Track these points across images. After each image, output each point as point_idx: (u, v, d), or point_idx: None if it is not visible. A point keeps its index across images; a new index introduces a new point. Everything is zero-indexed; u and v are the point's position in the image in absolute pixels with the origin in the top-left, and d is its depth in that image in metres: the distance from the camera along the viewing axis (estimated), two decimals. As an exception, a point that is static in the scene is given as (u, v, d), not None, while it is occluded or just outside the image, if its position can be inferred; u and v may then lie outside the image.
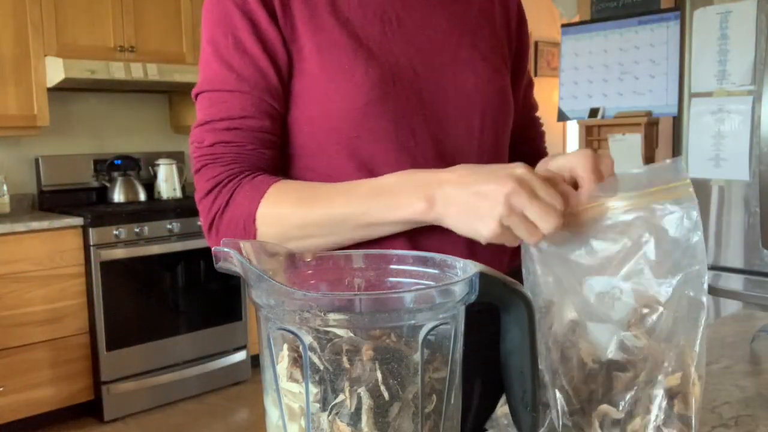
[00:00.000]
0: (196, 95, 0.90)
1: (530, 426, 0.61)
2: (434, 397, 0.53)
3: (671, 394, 0.64)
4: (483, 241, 0.71)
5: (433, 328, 0.52)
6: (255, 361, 3.79)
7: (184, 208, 3.61)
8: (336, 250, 0.85)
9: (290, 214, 0.82)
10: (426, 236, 0.87)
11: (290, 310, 0.51)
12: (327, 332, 0.51)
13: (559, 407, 0.66)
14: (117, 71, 3.47)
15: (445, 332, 0.53)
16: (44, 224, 3.16)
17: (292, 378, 0.52)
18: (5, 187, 3.44)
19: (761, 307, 2.43)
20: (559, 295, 0.70)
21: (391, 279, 0.62)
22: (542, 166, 0.78)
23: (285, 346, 0.53)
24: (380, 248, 0.86)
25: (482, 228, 0.70)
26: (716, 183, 2.65)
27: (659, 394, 0.64)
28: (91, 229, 3.24)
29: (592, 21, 3.14)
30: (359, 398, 0.50)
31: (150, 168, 3.96)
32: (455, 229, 0.73)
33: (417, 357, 0.51)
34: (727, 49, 2.56)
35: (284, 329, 0.52)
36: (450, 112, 0.91)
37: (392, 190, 0.77)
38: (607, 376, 0.66)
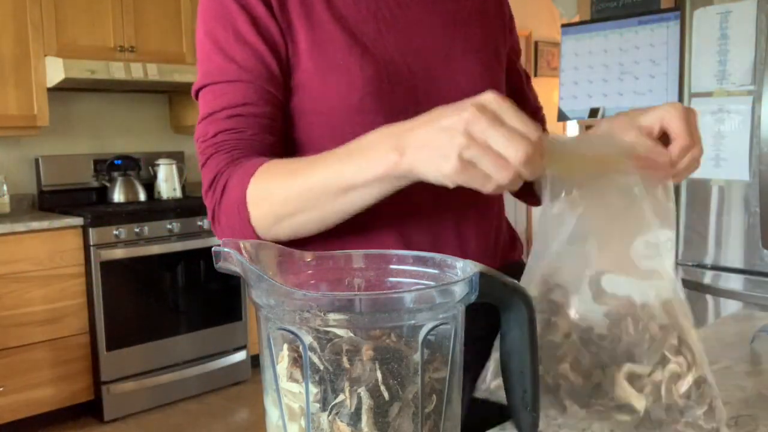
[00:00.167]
0: (197, 91, 0.90)
1: (530, 426, 0.61)
2: (434, 397, 0.53)
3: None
4: (449, 183, 0.63)
5: (433, 328, 0.52)
6: (255, 361, 3.79)
7: (184, 208, 3.61)
8: (332, 245, 0.86)
9: (275, 191, 0.79)
10: (415, 230, 0.88)
11: (290, 310, 0.51)
12: (327, 332, 0.51)
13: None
14: (117, 71, 3.47)
15: (445, 332, 0.53)
16: (44, 224, 3.16)
17: (292, 378, 0.52)
18: (5, 187, 3.44)
19: (761, 307, 2.43)
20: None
21: (391, 279, 0.62)
22: (630, 121, 0.75)
23: (285, 346, 0.53)
24: (372, 245, 0.87)
25: (444, 165, 0.61)
26: (716, 183, 2.65)
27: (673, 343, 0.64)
28: (91, 229, 3.24)
29: (592, 21, 3.14)
30: (359, 398, 0.50)
31: (150, 168, 3.96)
32: (426, 177, 0.65)
33: (417, 357, 0.51)
34: (727, 49, 2.56)
35: (284, 329, 0.52)
36: None
37: (365, 147, 0.71)
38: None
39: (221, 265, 0.56)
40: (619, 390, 0.65)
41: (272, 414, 0.55)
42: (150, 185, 3.92)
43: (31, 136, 3.52)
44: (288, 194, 0.78)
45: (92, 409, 3.35)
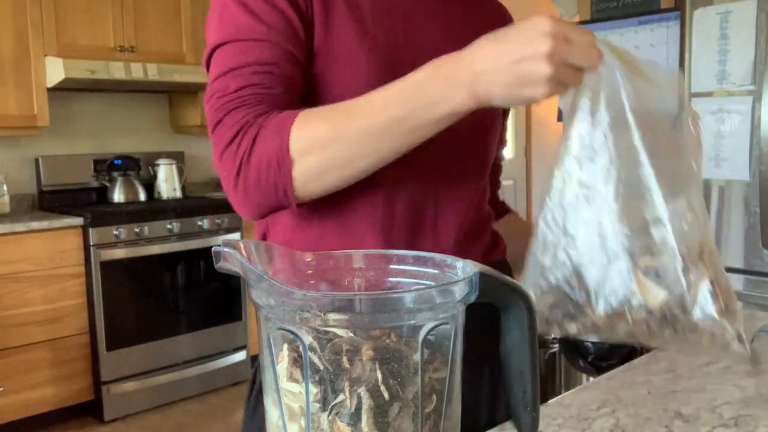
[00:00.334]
0: (213, 49, 0.85)
1: (530, 426, 0.61)
2: (434, 397, 0.53)
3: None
4: (538, 102, 0.73)
5: (433, 328, 0.52)
6: (255, 361, 3.79)
7: (184, 208, 3.61)
8: (309, 230, 0.88)
9: (328, 135, 0.76)
10: (397, 230, 0.88)
11: (290, 310, 0.51)
12: (327, 332, 0.51)
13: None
14: (117, 71, 3.47)
15: (445, 332, 0.53)
16: (44, 224, 3.16)
17: (292, 378, 0.52)
18: (5, 187, 3.44)
19: (761, 307, 2.43)
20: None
21: (391, 279, 0.62)
22: None
23: (285, 346, 0.53)
24: (353, 247, 0.87)
25: (536, 92, 0.70)
26: (716, 183, 2.65)
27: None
28: (91, 229, 3.24)
29: (592, 21, 3.14)
30: (359, 398, 0.50)
31: (150, 168, 3.96)
32: (505, 103, 0.75)
33: (417, 357, 0.51)
34: (727, 49, 2.56)
35: (284, 329, 0.52)
36: None
37: (426, 87, 0.74)
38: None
39: (221, 265, 0.56)
40: (638, 286, 0.67)
41: (272, 414, 0.55)
42: (150, 185, 3.92)
43: (31, 136, 3.52)
44: (347, 139, 0.76)
45: (92, 409, 3.35)
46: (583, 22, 3.19)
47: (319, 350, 0.51)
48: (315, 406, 0.51)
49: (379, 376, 0.50)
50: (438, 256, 0.61)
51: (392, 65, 0.87)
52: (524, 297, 0.58)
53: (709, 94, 2.63)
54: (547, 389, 3.14)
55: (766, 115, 2.47)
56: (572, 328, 0.70)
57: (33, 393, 3.14)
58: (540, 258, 0.72)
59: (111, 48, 3.57)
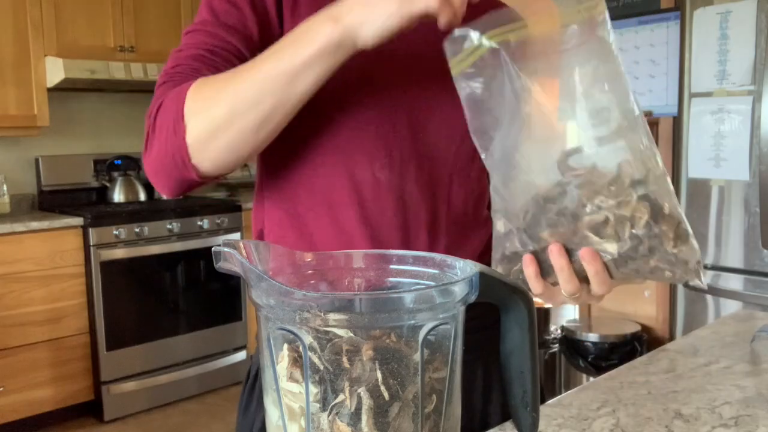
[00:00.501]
0: (184, 35, 0.89)
1: (530, 426, 0.61)
2: (434, 397, 0.53)
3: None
4: (389, 33, 0.71)
5: (433, 328, 0.52)
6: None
7: (184, 208, 3.61)
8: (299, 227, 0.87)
9: (215, 95, 0.76)
10: (386, 229, 0.88)
11: (290, 310, 0.51)
12: (327, 332, 0.51)
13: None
14: (117, 71, 3.47)
15: (445, 332, 0.53)
16: (44, 224, 3.16)
17: (292, 378, 0.52)
18: (5, 187, 3.44)
19: (761, 307, 2.43)
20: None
21: (391, 279, 0.62)
22: None
23: (285, 346, 0.53)
24: (344, 246, 0.87)
25: (389, 20, 0.70)
26: (716, 183, 2.65)
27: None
28: (91, 229, 3.24)
29: (592, 21, 3.14)
30: (359, 398, 0.50)
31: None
32: (378, 28, 0.71)
33: (417, 357, 0.51)
34: (727, 49, 2.56)
35: (284, 329, 0.52)
36: (435, 116, 0.90)
37: (302, 30, 0.74)
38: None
39: (221, 265, 0.56)
40: (589, 243, 0.66)
41: (272, 414, 0.55)
42: (150, 185, 3.92)
43: (31, 136, 3.52)
44: (233, 97, 0.75)
45: (92, 409, 3.35)
46: (583, 22, 3.19)
47: (319, 350, 0.50)
48: (315, 406, 0.51)
49: (379, 376, 0.50)
50: (438, 256, 0.61)
51: (379, 60, 0.87)
52: (524, 297, 0.58)
53: (709, 94, 2.63)
54: (547, 389, 3.13)
55: (766, 115, 2.47)
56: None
57: (33, 393, 3.15)
58: (496, 229, 0.72)
59: (111, 48, 3.57)
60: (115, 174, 3.83)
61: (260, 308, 0.53)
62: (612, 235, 0.65)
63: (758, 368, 1.00)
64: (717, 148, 2.62)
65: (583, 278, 0.68)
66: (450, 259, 0.60)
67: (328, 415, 0.50)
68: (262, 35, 0.87)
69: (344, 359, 0.50)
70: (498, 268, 0.71)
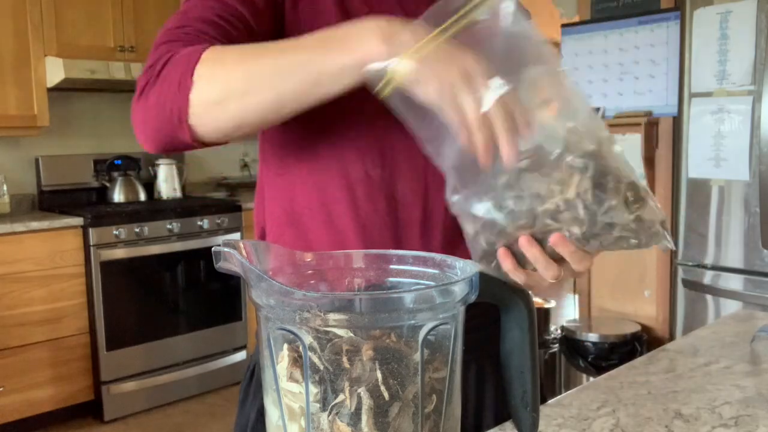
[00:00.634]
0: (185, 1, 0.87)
1: (530, 426, 0.61)
2: (434, 397, 0.53)
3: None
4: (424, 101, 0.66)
5: (433, 328, 0.52)
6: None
7: (184, 208, 3.61)
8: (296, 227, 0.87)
9: (233, 65, 0.74)
10: (378, 229, 0.88)
11: (290, 310, 0.51)
12: (327, 332, 0.51)
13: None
14: (117, 71, 3.47)
15: (445, 332, 0.53)
16: (44, 224, 3.16)
17: (292, 378, 0.52)
18: (5, 187, 3.44)
19: (761, 307, 2.43)
20: None
21: (391, 279, 0.62)
22: None
23: (285, 346, 0.53)
24: (338, 245, 0.88)
25: (432, 92, 0.64)
26: (716, 183, 2.65)
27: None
28: (91, 229, 3.24)
29: (592, 21, 3.14)
30: (359, 398, 0.50)
31: (150, 168, 3.96)
32: (415, 91, 0.66)
33: (417, 357, 0.51)
34: (727, 49, 2.56)
35: (284, 329, 0.52)
36: None
37: (347, 33, 0.70)
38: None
39: (221, 265, 0.56)
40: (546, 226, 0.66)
41: (272, 414, 0.55)
42: (150, 185, 3.92)
43: (31, 136, 3.52)
44: (250, 72, 0.74)
45: (92, 409, 3.35)
46: (583, 22, 3.19)
47: (319, 350, 0.51)
48: (315, 406, 0.51)
49: (379, 376, 0.50)
50: (438, 256, 0.61)
51: None
52: (524, 297, 0.58)
53: (709, 94, 2.63)
54: (547, 389, 3.13)
55: (766, 115, 2.47)
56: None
57: (33, 393, 3.14)
58: (466, 231, 0.72)
59: (111, 48, 3.57)
60: (115, 174, 3.83)
61: (260, 308, 0.53)
62: (570, 219, 0.64)
63: (758, 368, 1.00)
64: (717, 148, 2.62)
65: (560, 259, 0.67)
66: (450, 259, 0.60)
67: (328, 415, 0.50)
68: (269, 7, 0.85)
69: (344, 359, 0.50)
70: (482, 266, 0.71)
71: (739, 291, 2.60)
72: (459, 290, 0.53)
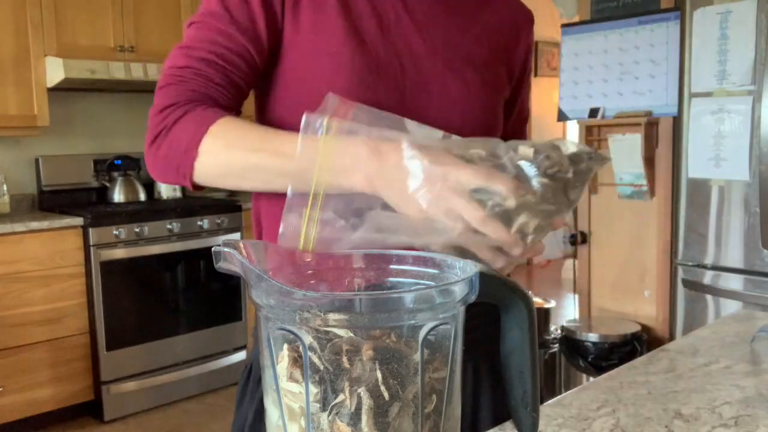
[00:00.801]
0: (189, 25, 0.92)
1: (530, 426, 0.61)
2: (434, 397, 0.53)
3: None
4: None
5: (433, 328, 0.52)
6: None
7: (184, 208, 3.61)
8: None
9: (235, 152, 0.82)
10: None
11: (290, 310, 0.51)
12: (327, 332, 0.51)
13: None
14: (117, 71, 3.46)
15: (445, 332, 0.53)
16: (44, 224, 3.16)
17: (292, 378, 0.52)
18: (5, 187, 3.44)
19: (761, 307, 2.43)
20: None
21: (391, 279, 0.62)
22: None
23: (285, 346, 0.53)
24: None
25: (414, 212, 0.70)
26: (716, 183, 2.65)
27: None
28: (91, 229, 3.24)
29: (592, 21, 3.14)
30: (359, 398, 0.50)
31: (150, 168, 3.96)
32: (395, 207, 0.72)
33: (417, 357, 0.51)
34: (727, 49, 2.56)
35: (284, 329, 0.51)
36: (431, 115, 0.91)
37: (337, 155, 0.75)
38: None
39: (221, 265, 0.56)
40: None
41: (272, 414, 0.55)
42: (150, 185, 3.92)
43: (31, 136, 3.52)
44: (248, 163, 0.81)
45: (92, 409, 3.35)
46: (583, 22, 3.19)
47: (319, 350, 0.50)
48: (315, 406, 0.51)
49: (379, 376, 0.50)
50: (438, 256, 0.61)
51: (376, 63, 0.89)
52: (524, 297, 0.58)
53: (709, 94, 2.63)
54: (547, 389, 3.14)
55: (766, 115, 2.47)
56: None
57: (33, 393, 3.14)
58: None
59: (111, 48, 3.57)
60: (115, 174, 3.83)
61: (260, 308, 0.53)
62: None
63: (758, 368, 1.00)
64: (717, 148, 2.62)
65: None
66: (450, 259, 0.60)
67: (328, 415, 0.50)
68: (269, 34, 0.89)
69: (344, 359, 0.50)
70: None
71: (739, 291, 2.60)
72: (459, 290, 0.53)
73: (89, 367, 3.31)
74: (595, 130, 3.14)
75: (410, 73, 0.91)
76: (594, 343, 2.93)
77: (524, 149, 0.70)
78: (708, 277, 2.70)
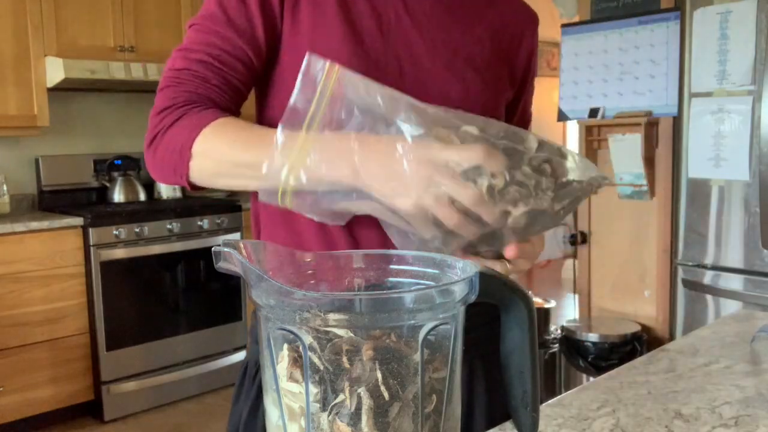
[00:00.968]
0: (189, 26, 0.92)
1: (530, 426, 0.61)
2: (434, 397, 0.53)
3: None
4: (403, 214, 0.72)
5: (433, 328, 0.52)
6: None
7: (184, 208, 3.61)
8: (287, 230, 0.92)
9: (226, 151, 0.83)
10: (367, 229, 0.89)
11: (290, 310, 0.51)
12: (327, 332, 0.51)
13: None
14: (117, 71, 3.47)
15: (445, 332, 0.53)
16: (44, 224, 3.16)
17: (292, 378, 0.52)
18: (5, 187, 3.44)
19: (761, 307, 2.43)
20: None
21: (391, 279, 0.62)
22: None
23: (285, 346, 0.53)
24: (327, 246, 0.90)
25: (404, 202, 0.70)
26: (716, 183, 2.65)
27: None
28: (91, 229, 3.24)
29: (592, 21, 3.14)
30: (359, 398, 0.50)
31: (150, 168, 3.96)
32: (382, 201, 0.73)
33: (417, 357, 0.51)
34: (727, 49, 2.56)
35: (284, 329, 0.51)
36: None
37: (326, 150, 0.74)
38: None
39: (221, 265, 0.56)
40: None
41: (272, 414, 0.55)
42: (150, 185, 3.92)
43: (31, 136, 3.52)
44: (238, 160, 0.82)
45: (92, 409, 3.35)
46: (583, 22, 3.19)
47: (319, 350, 0.50)
48: (315, 406, 0.51)
49: (379, 376, 0.50)
50: (438, 256, 0.61)
51: (375, 64, 0.89)
52: (524, 297, 0.58)
53: (709, 94, 2.63)
54: (547, 389, 3.14)
55: (766, 115, 2.47)
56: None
57: (33, 393, 3.14)
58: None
59: (111, 48, 3.57)
60: (115, 174, 3.83)
61: (260, 308, 0.53)
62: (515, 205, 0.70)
63: (758, 368, 1.00)
64: (717, 148, 2.62)
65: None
66: (450, 259, 0.60)
67: (328, 415, 0.50)
68: (268, 37, 0.89)
69: (344, 359, 0.50)
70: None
71: (739, 291, 2.60)
72: (459, 290, 0.53)
73: (89, 367, 3.31)
74: (595, 130, 3.14)
75: (409, 74, 0.91)
76: (594, 343, 2.93)
77: (532, 139, 0.70)
78: (708, 277, 2.70)
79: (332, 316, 0.50)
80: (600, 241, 3.20)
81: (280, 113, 0.92)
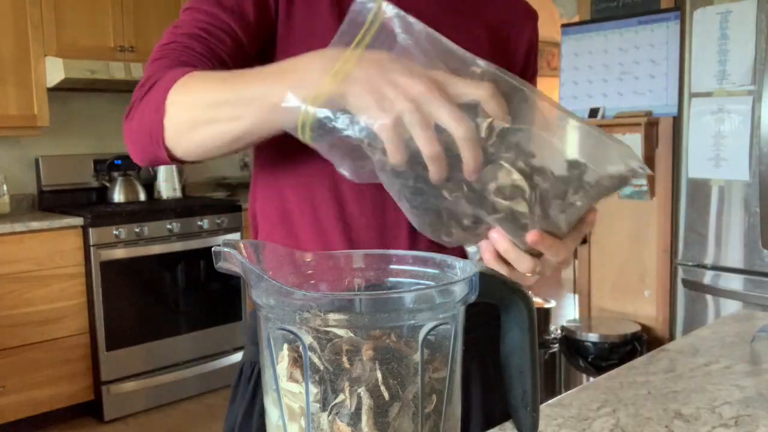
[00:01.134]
0: (182, 11, 0.91)
1: (530, 426, 0.61)
2: (434, 397, 0.53)
3: None
4: (374, 129, 0.63)
5: (433, 328, 0.52)
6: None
7: (184, 208, 3.61)
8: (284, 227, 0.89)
9: (200, 94, 0.77)
10: (364, 229, 0.89)
11: (290, 310, 0.51)
12: (327, 332, 0.51)
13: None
14: (117, 71, 3.47)
15: (445, 332, 0.53)
16: (44, 224, 3.16)
17: (292, 378, 0.52)
18: (5, 187, 3.44)
19: (761, 307, 2.44)
20: None
21: (391, 279, 0.62)
22: None
23: (285, 346, 0.53)
24: (323, 244, 0.89)
25: (380, 116, 0.62)
26: (716, 183, 2.65)
27: None
28: (91, 229, 3.24)
29: (592, 21, 3.14)
30: (359, 398, 0.50)
31: (150, 168, 3.96)
32: (354, 113, 0.64)
33: (417, 357, 0.51)
34: (727, 49, 2.56)
35: (284, 329, 0.51)
36: None
37: (300, 68, 0.69)
38: None
39: (221, 265, 0.56)
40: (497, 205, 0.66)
41: (272, 414, 0.55)
42: (150, 185, 3.92)
43: (31, 136, 3.52)
44: (215, 100, 0.76)
45: (92, 409, 3.35)
46: (583, 22, 3.19)
47: (319, 350, 0.50)
48: (315, 406, 0.51)
49: (379, 376, 0.50)
50: (438, 256, 0.61)
51: None
52: (524, 297, 0.58)
53: (709, 94, 2.64)
54: (547, 389, 3.14)
55: (766, 115, 2.47)
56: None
57: (33, 393, 3.14)
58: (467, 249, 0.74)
59: (111, 48, 3.57)
60: (115, 174, 3.83)
61: (260, 308, 0.53)
62: (525, 210, 0.65)
63: (758, 368, 1.01)
64: (717, 148, 2.62)
65: (538, 254, 0.68)
66: (450, 259, 0.60)
67: (328, 415, 0.50)
68: (259, 17, 0.88)
69: (344, 359, 0.50)
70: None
71: (739, 291, 2.60)
72: (459, 290, 0.53)
73: (89, 367, 3.31)
74: (595, 130, 3.13)
75: None
76: (594, 343, 2.93)
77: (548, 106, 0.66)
78: (708, 277, 2.70)
79: (332, 316, 0.50)
80: (600, 241, 3.20)
81: None
